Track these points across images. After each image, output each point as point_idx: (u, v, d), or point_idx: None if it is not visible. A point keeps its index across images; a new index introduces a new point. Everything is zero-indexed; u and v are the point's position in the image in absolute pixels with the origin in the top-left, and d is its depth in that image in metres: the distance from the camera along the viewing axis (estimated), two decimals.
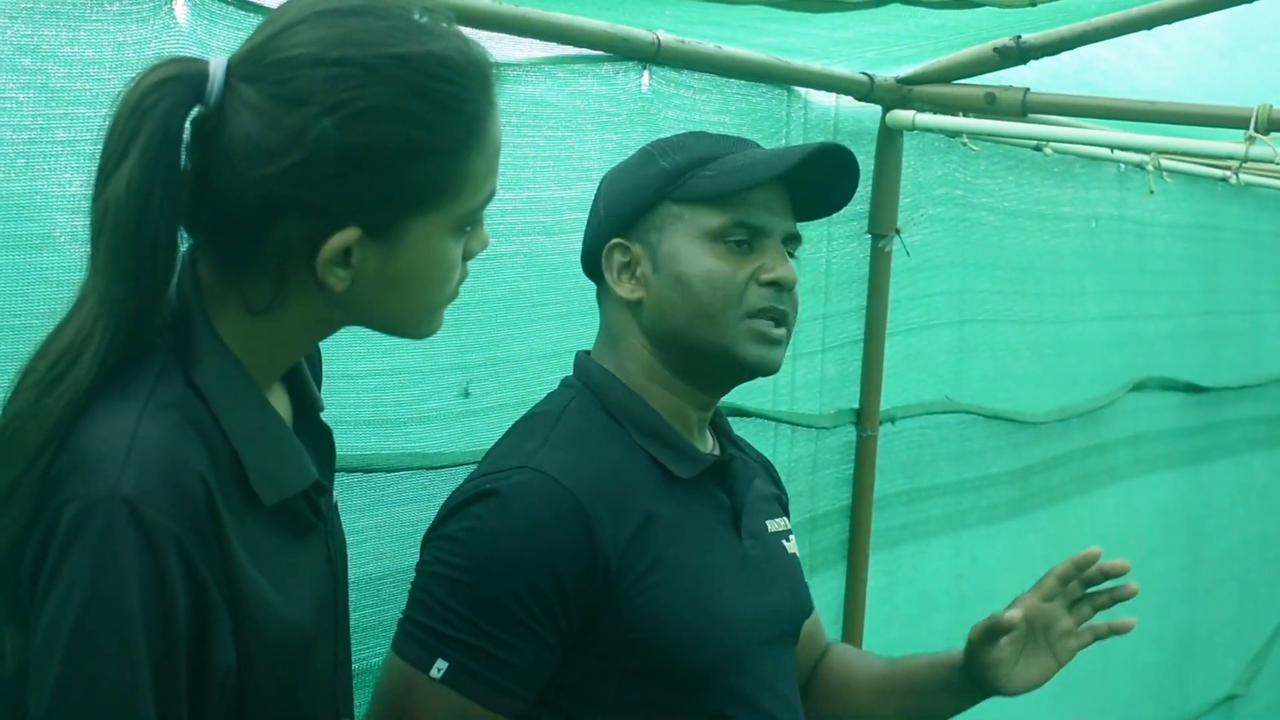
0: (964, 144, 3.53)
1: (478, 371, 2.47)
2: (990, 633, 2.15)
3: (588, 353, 2.19)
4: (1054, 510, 4.27)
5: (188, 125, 1.44)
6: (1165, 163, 4.13)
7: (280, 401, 1.64)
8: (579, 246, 2.20)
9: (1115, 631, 2.23)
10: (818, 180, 2.13)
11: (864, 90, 3.17)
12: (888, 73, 3.22)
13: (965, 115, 3.29)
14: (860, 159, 2.17)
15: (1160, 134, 3.24)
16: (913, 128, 3.26)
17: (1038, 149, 3.78)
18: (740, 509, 2.16)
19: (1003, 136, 3.53)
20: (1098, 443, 4.49)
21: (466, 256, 1.56)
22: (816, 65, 3.05)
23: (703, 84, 2.84)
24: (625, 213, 2.12)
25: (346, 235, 1.45)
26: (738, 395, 2.22)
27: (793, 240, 2.14)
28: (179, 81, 1.43)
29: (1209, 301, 5.08)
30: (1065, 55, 3.09)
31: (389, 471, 2.33)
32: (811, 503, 3.31)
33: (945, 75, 3.24)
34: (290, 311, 1.51)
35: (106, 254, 1.42)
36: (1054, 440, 4.24)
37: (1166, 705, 5.12)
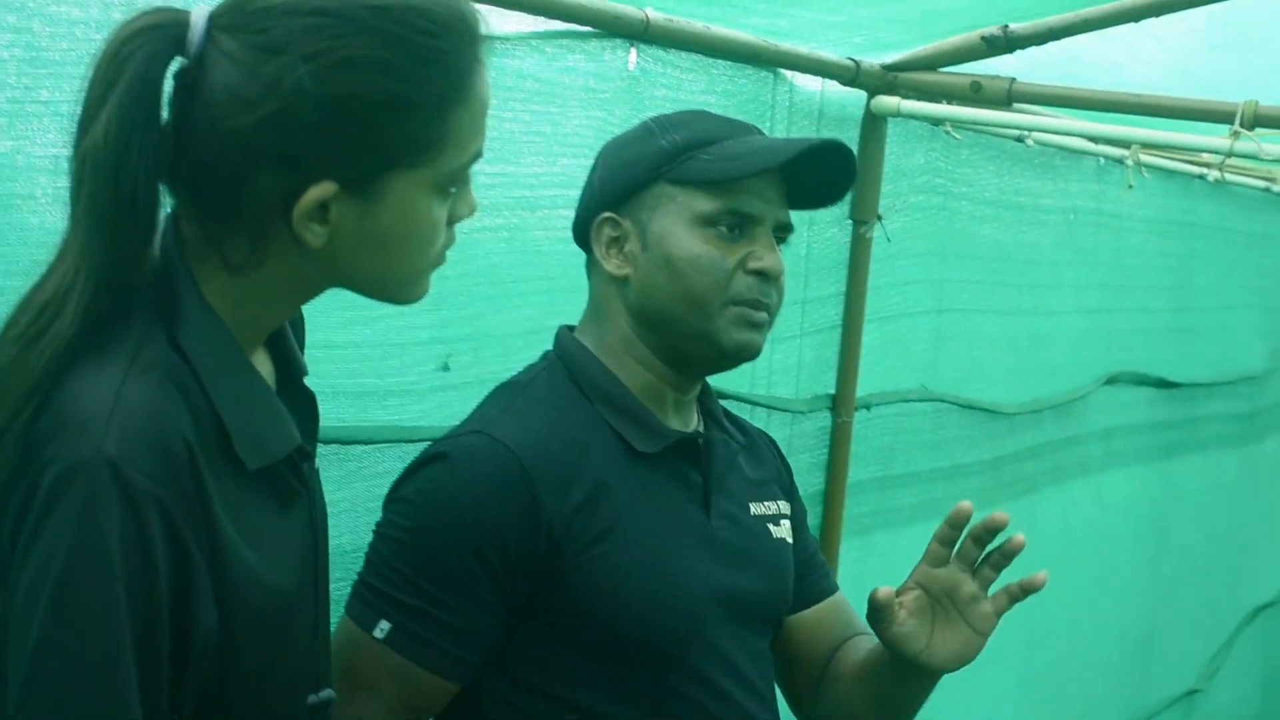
0: (947, 132, 3.52)
1: (457, 345, 2.46)
2: (874, 611, 2.08)
3: (571, 327, 2.19)
4: (1024, 501, 4.27)
5: (171, 79, 1.42)
6: (1144, 158, 4.14)
7: (264, 365, 1.62)
8: (562, 222, 2.20)
9: (1027, 590, 2.07)
10: (813, 171, 2.12)
11: (849, 75, 3.16)
12: (874, 59, 3.21)
13: (949, 103, 3.29)
14: None
15: (1147, 127, 3.24)
16: (898, 114, 3.25)
17: (1019, 140, 3.77)
18: (713, 489, 2.15)
19: (987, 125, 3.52)
20: (1069, 435, 4.49)
21: (453, 220, 1.54)
22: (803, 48, 3.04)
23: (689, 64, 2.83)
24: (619, 188, 2.11)
25: (323, 189, 1.43)
26: (716, 377, 2.21)
27: (784, 229, 2.14)
28: (158, 30, 1.41)
29: (1183, 298, 5.09)
30: (1052, 46, 3.09)
31: (366, 444, 2.32)
32: None
33: (931, 62, 3.23)
34: (269, 270, 1.49)
35: (86, 204, 1.41)
36: (1026, 431, 4.24)
37: (1129, 699, 5.13)
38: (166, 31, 1.41)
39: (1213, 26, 3.45)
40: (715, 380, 2.24)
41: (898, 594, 2.09)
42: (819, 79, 3.16)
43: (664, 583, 2.04)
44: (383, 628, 1.96)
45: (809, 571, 2.35)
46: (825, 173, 2.14)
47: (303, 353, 1.75)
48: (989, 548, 2.09)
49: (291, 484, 1.59)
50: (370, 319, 2.26)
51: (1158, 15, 2.94)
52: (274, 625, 1.54)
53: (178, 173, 1.45)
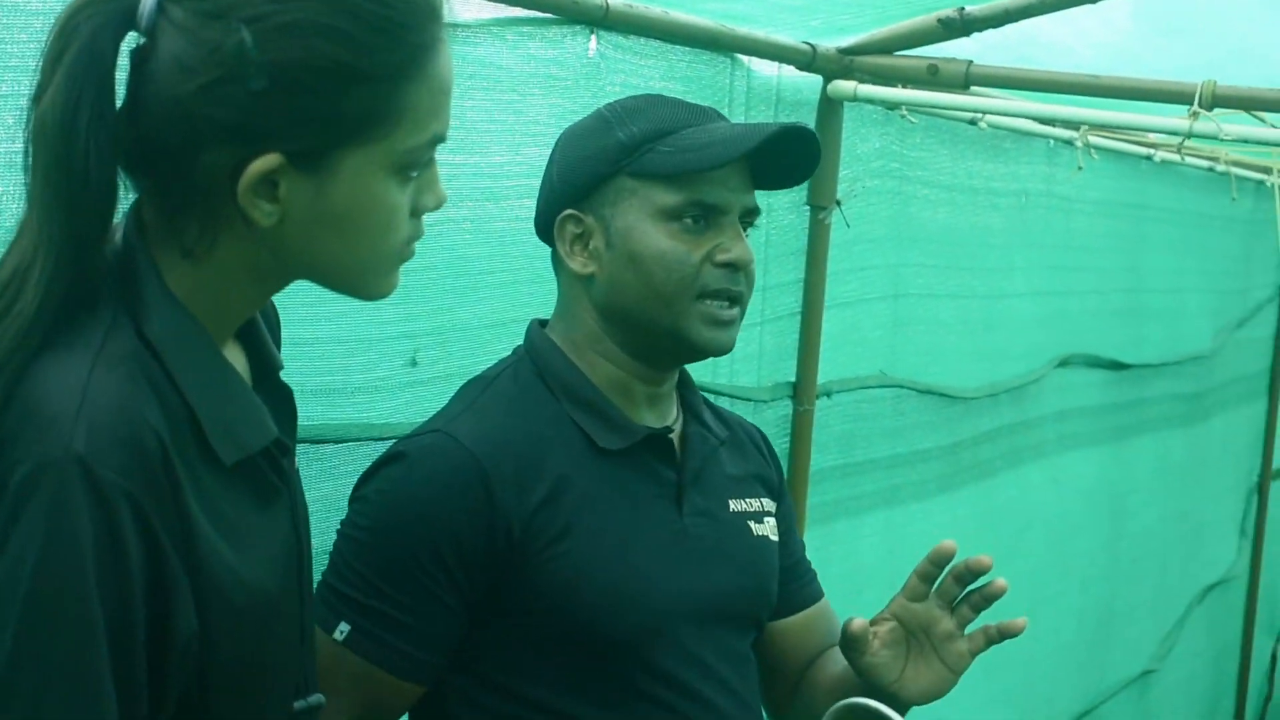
0: (902, 116, 3.50)
1: (425, 340, 2.43)
2: (849, 641, 2.07)
3: (543, 321, 2.16)
4: (982, 486, 4.27)
5: (129, 58, 1.39)
6: (1093, 139, 4.12)
7: (237, 360, 1.58)
8: (526, 213, 2.17)
9: (1005, 634, 2.07)
10: (777, 153, 2.08)
11: (806, 60, 3.14)
12: (831, 42, 3.18)
13: (906, 87, 3.27)
14: None
15: (1105, 109, 3.23)
16: (854, 99, 3.22)
17: (972, 123, 3.76)
18: (686, 485, 2.11)
19: (944, 109, 3.50)
20: (1025, 419, 4.50)
21: (418, 211, 1.49)
22: (760, 33, 3.01)
23: (649, 50, 2.80)
24: (579, 183, 2.07)
25: (267, 161, 1.38)
26: None
27: (750, 214, 2.10)
28: (108, 2, 1.37)
29: (1132, 279, 5.11)
30: (1008, 28, 3.07)
31: (337, 442, 2.28)
32: None
33: (887, 46, 3.21)
34: (223, 254, 1.44)
35: (40, 180, 1.36)
36: (983, 416, 4.24)
37: (1086, 681, 5.15)
38: (117, 4, 1.37)
39: (1164, 9, 3.46)
40: None
41: (872, 623, 2.08)
42: (775, 64, 3.14)
43: (626, 580, 2.01)
44: (342, 629, 1.94)
45: (795, 577, 2.32)
46: (789, 154, 2.10)
47: (279, 348, 1.71)
48: (970, 587, 2.08)
49: (271, 480, 1.54)
50: (336, 314, 2.22)
51: None
52: (256, 626, 1.50)
53: (133, 153, 1.40)
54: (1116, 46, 3.61)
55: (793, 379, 3.38)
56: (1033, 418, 4.54)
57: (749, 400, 3.21)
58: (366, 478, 2.03)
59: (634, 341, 2.07)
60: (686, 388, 2.21)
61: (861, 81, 3.21)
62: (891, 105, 3.39)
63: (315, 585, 1.92)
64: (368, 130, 1.41)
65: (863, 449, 3.69)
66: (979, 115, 3.64)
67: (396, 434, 2.29)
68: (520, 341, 2.16)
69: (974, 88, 3.24)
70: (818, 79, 3.23)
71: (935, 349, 3.96)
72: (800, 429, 3.39)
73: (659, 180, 2.02)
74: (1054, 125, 3.90)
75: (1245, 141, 3.06)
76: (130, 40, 1.38)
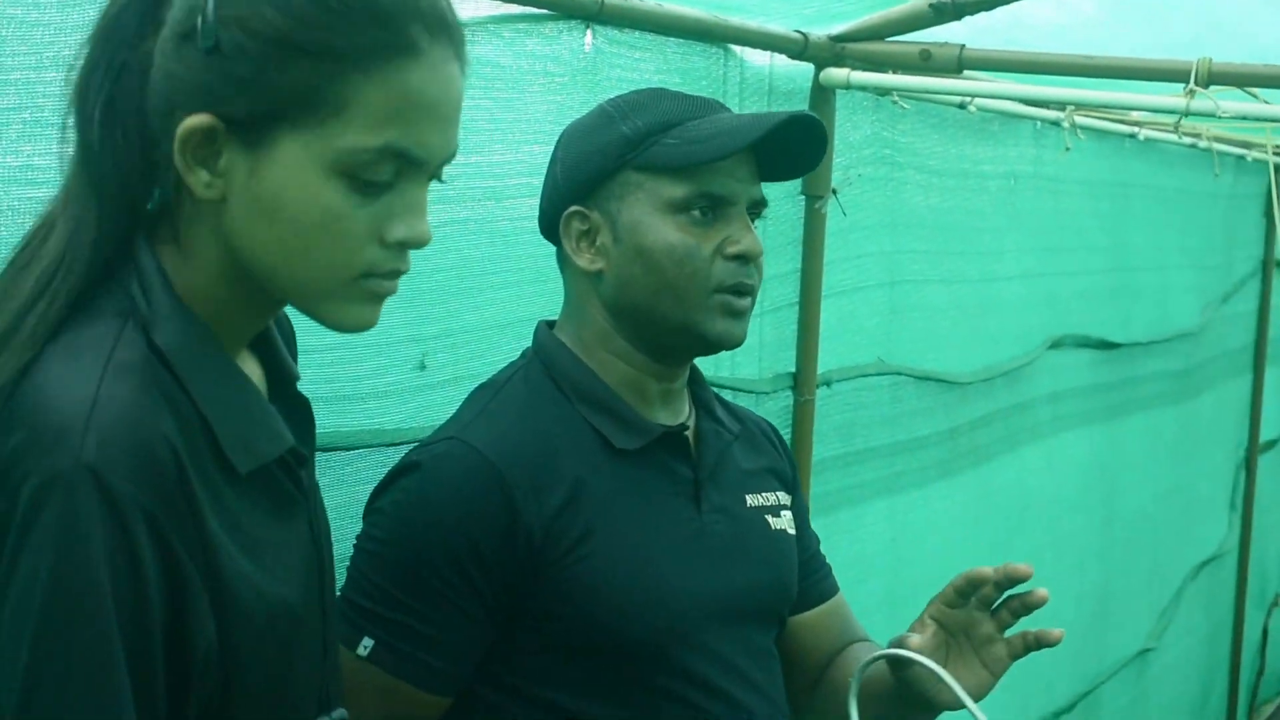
0: (894, 102, 3.48)
1: (433, 343, 2.40)
2: (898, 659, 2.01)
3: (550, 322, 2.13)
4: (980, 470, 4.26)
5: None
6: (1078, 119, 4.12)
7: (253, 372, 1.56)
8: (529, 211, 2.14)
9: (1043, 643, 2.02)
10: (782, 143, 2.05)
11: (798, 48, 3.12)
12: (822, 30, 3.16)
13: (896, 72, 3.25)
14: None
15: (1099, 89, 3.22)
16: (848, 86, 3.20)
17: (961, 107, 3.74)
18: (703, 482, 2.09)
19: (938, 94, 3.48)
20: (1019, 401, 4.48)
21: (387, 239, 1.42)
22: (753, 23, 2.99)
23: (644, 43, 2.78)
24: (584, 179, 2.04)
25: (198, 119, 1.36)
26: None
27: (758, 205, 2.08)
28: None
29: (1119, 258, 5.10)
30: (997, 10, 3.06)
31: (348, 450, 2.25)
32: None
33: (878, 32, 3.19)
34: (199, 244, 1.43)
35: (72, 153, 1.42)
36: (979, 400, 4.22)
37: (1085, 662, 5.14)
38: None
39: None
40: None
41: (911, 629, 2.04)
42: (768, 54, 3.12)
43: (648, 582, 1.99)
44: (366, 645, 1.92)
45: (810, 572, 2.30)
46: (794, 144, 2.08)
47: (295, 360, 1.69)
48: (1008, 593, 2.04)
49: (289, 490, 1.52)
50: None
51: None
52: (278, 640, 1.47)
53: (144, 130, 1.41)
54: (1103, 24, 3.60)
55: (793, 369, 3.36)
56: (1027, 400, 4.53)
57: (751, 392, 3.20)
58: (381, 490, 2.00)
59: (645, 337, 2.04)
60: (697, 384, 2.19)
61: (854, 69, 3.19)
62: (883, 91, 3.37)
63: (337, 600, 1.90)
64: (304, 111, 1.37)
65: (863, 437, 3.67)
66: (968, 99, 3.62)
67: (409, 439, 2.28)
68: (529, 342, 2.14)
69: (968, 71, 3.22)
70: (810, 68, 3.21)
71: (931, 335, 3.95)
72: (802, 419, 3.38)
73: (666, 173, 2.00)
74: (1048, 107, 3.88)
75: (1244, 118, 3.05)
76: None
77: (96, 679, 1.29)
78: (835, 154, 3.31)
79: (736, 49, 3.03)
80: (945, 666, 2.01)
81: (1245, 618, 6.72)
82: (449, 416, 2.07)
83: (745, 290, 2.03)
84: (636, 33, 2.75)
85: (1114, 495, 5.28)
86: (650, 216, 2.00)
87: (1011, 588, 2.02)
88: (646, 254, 2.00)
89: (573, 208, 2.04)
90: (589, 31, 2.62)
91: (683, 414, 2.14)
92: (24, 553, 1.28)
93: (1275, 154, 4.46)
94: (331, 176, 1.38)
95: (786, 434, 3.35)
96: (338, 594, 1.91)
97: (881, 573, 3.75)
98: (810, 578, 2.30)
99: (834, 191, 3.28)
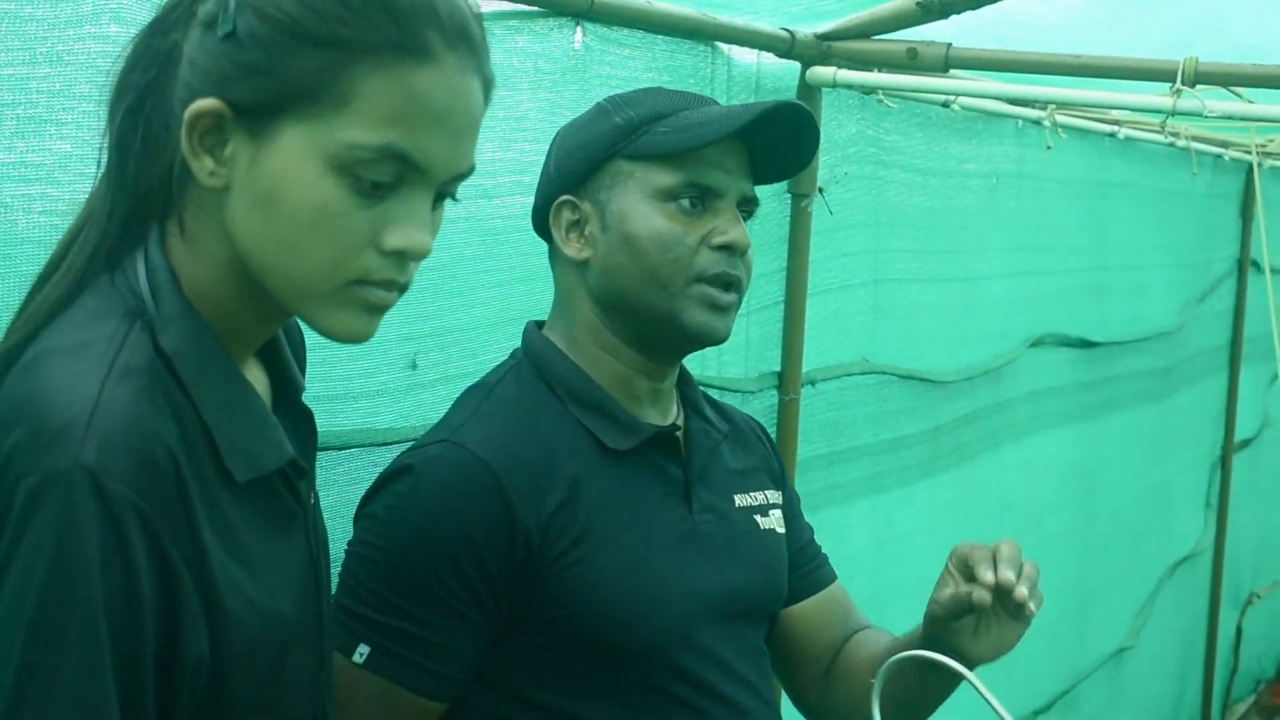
0: (879, 101, 3.48)
1: (425, 342, 2.39)
2: (958, 610, 2.00)
3: (540, 322, 2.12)
4: (962, 469, 4.26)
5: None
6: (1060, 118, 4.12)
7: (258, 380, 1.55)
8: (521, 209, 2.14)
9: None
10: (774, 139, 2.05)
11: (785, 46, 3.12)
12: (809, 28, 3.16)
13: (884, 71, 3.24)
14: None
15: (1085, 88, 3.22)
16: (834, 85, 3.20)
17: (945, 105, 3.74)
18: (694, 482, 2.08)
19: (924, 92, 3.47)
20: (1000, 400, 4.49)
21: (384, 245, 1.39)
22: (740, 21, 2.99)
23: (633, 41, 2.77)
24: (576, 169, 2.04)
25: (206, 103, 1.36)
26: None
27: (749, 202, 2.07)
28: None
29: (1098, 257, 5.10)
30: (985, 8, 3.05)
31: (340, 450, 2.24)
32: None
33: (865, 30, 3.19)
34: (205, 237, 1.42)
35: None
36: (961, 399, 4.22)
37: (1065, 661, 5.15)
38: None
39: None
40: None
41: (940, 583, 2.02)
42: (755, 52, 3.11)
43: (644, 584, 1.98)
44: (362, 651, 1.89)
45: (805, 561, 2.30)
46: (786, 140, 2.07)
47: (304, 371, 1.68)
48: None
49: (288, 503, 1.51)
50: None
51: None
52: (270, 652, 1.46)
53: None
54: (1088, 22, 3.60)
55: (778, 369, 3.36)
56: (1007, 399, 4.53)
57: (737, 391, 3.19)
58: (373, 494, 1.98)
59: (631, 330, 2.03)
60: (686, 384, 2.18)
61: (840, 67, 3.19)
62: (869, 90, 3.37)
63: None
64: (309, 102, 1.36)
65: (847, 436, 3.67)
66: (952, 98, 3.62)
67: (400, 439, 2.27)
68: (520, 341, 2.12)
69: (954, 70, 3.22)
70: (797, 66, 3.21)
71: (915, 333, 3.95)
72: (787, 418, 3.38)
73: (656, 161, 2.00)
74: (1033, 106, 3.88)
75: (1229, 118, 3.05)
76: None
77: (85, 680, 1.27)
78: (821, 152, 3.30)
79: (724, 47, 3.03)
80: (977, 623, 2.01)
81: (1220, 616, 6.74)
82: (440, 418, 2.05)
83: (729, 282, 2.01)
84: (626, 30, 2.75)
85: (1092, 494, 5.29)
86: (640, 204, 2.00)
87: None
88: (632, 241, 1.99)
89: (563, 197, 2.04)
90: (579, 29, 2.62)
91: (672, 414, 2.13)
92: (18, 551, 1.27)
93: (1259, 153, 4.47)
94: (330, 172, 1.37)
95: (772, 433, 3.34)
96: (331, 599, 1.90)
97: (865, 572, 3.74)
98: (805, 566, 2.30)
99: (820, 190, 3.27)
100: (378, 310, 1.44)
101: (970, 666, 2.04)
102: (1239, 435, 6.68)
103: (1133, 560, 5.71)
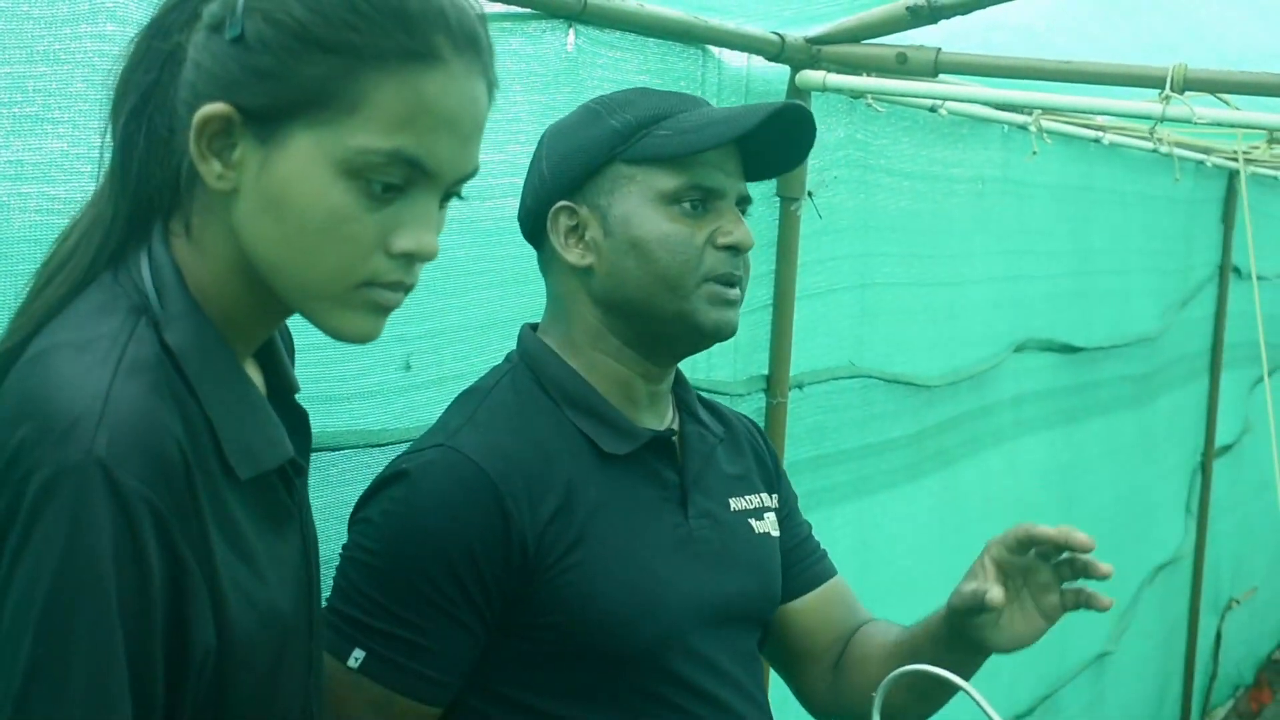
0: (868, 105, 3.49)
1: (418, 343, 2.38)
2: (974, 608, 2.01)
3: (534, 325, 2.11)
4: (945, 474, 4.27)
5: None
6: (1045, 123, 4.13)
7: (255, 380, 1.55)
8: (513, 211, 2.12)
9: (1091, 604, 2.06)
10: (769, 141, 2.05)
11: (775, 50, 3.12)
12: (799, 32, 3.16)
13: (873, 75, 3.25)
14: None
15: (1076, 94, 3.22)
16: (823, 89, 3.20)
17: (933, 110, 3.74)
18: (689, 486, 2.08)
19: (913, 97, 3.48)
20: (983, 404, 4.50)
21: (392, 248, 1.40)
22: (731, 24, 2.99)
23: (625, 44, 2.78)
24: (573, 174, 2.02)
25: (215, 107, 1.36)
26: None
27: (744, 201, 2.08)
28: None
29: (1081, 262, 5.12)
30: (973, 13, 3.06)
31: (333, 450, 2.24)
32: None
33: (854, 35, 3.19)
34: (210, 238, 1.43)
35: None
36: (945, 403, 4.23)
37: (1046, 666, 5.16)
38: None
39: None
40: None
41: (969, 574, 2.03)
42: (745, 55, 3.11)
43: (639, 590, 1.97)
44: (357, 656, 1.88)
45: (804, 556, 2.30)
46: (781, 140, 2.08)
47: (292, 367, 1.68)
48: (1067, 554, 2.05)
49: (285, 501, 1.52)
50: None
51: None
52: (269, 648, 1.46)
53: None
54: (1076, 29, 3.61)
55: (766, 372, 3.36)
56: (991, 403, 4.54)
57: (725, 394, 3.19)
58: (368, 498, 1.97)
59: (637, 332, 2.03)
60: (681, 386, 2.18)
61: (830, 71, 3.19)
62: (857, 94, 3.37)
63: (324, 610, 1.88)
64: (319, 107, 1.36)
65: (833, 440, 3.67)
66: (940, 102, 3.63)
67: (394, 440, 2.26)
68: (514, 343, 2.12)
69: (944, 75, 3.23)
70: (787, 69, 3.21)
71: (900, 338, 3.96)
72: (774, 422, 3.37)
73: (658, 164, 1.99)
74: (1020, 111, 3.89)
75: (1218, 124, 3.06)
76: None
77: (97, 672, 1.27)
78: (810, 156, 3.28)
79: (715, 50, 3.03)
80: (1004, 611, 2.02)
81: (1200, 621, 6.76)
82: (434, 421, 2.04)
83: (735, 281, 2.02)
84: (618, 33, 2.75)
85: (1074, 498, 5.30)
86: (643, 208, 1.99)
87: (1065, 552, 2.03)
88: (640, 245, 1.99)
89: (560, 203, 2.02)
90: (571, 31, 2.62)
91: (667, 417, 2.13)
92: (30, 543, 1.27)
93: (1242, 159, 4.49)
94: (340, 177, 1.37)
95: None
96: (324, 604, 1.89)
97: (850, 574, 3.69)
98: (804, 561, 2.30)
99: (809, 194, 3.28)
100: (384, 311, 1.45)
101: (984, 656, 2.06)
102: (1219, 441, 6.71)
103: (1114, 565, 5.69)
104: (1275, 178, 6.29)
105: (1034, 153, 4.07)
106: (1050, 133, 4.22)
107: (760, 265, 3.28)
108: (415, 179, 1.40)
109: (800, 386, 3.46)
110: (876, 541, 3.89)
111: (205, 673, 1.37)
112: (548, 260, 2.07)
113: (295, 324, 2.01)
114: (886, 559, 3.90)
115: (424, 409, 2.30)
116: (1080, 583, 2.08)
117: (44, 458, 1.27)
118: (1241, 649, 7.52)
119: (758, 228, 3.24)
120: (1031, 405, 4.86)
